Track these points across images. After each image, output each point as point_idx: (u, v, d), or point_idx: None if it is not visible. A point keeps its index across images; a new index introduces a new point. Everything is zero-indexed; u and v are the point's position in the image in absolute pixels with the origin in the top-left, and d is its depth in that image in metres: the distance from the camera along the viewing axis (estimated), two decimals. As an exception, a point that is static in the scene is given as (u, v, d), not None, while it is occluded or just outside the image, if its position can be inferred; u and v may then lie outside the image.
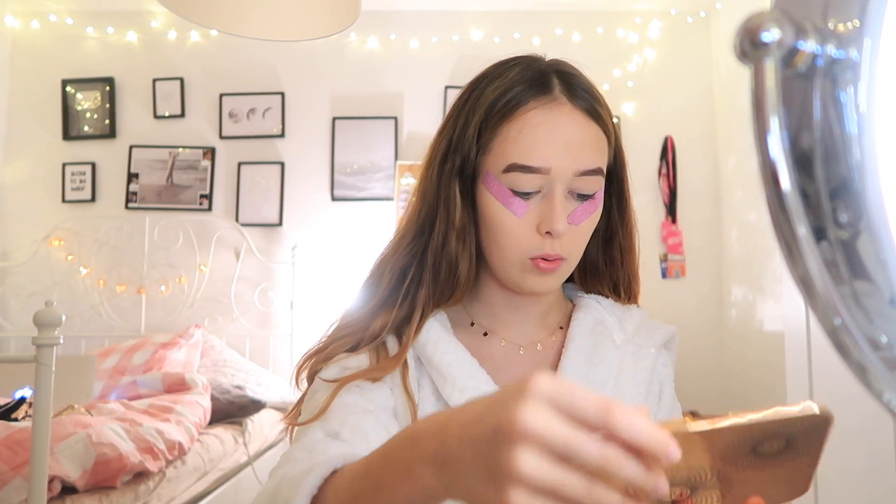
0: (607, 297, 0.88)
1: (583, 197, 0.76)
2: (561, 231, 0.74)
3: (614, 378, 0.80)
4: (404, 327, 0.80)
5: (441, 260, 0.79)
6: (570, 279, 0.91)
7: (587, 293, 0.89)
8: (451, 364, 0.77)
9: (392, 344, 0.80)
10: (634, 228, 0.88)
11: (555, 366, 0.82)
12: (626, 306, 0.88)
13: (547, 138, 0.74)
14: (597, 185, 0.77)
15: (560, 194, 0.74)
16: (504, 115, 0.76)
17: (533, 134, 0.75)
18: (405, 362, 0.78)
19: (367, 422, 0.72)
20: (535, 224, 0.75)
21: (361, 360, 0.79)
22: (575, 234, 0.77)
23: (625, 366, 0.82)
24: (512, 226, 0.76)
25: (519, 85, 0.77)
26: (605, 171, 0.78)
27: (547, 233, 0.74)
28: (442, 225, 0.79)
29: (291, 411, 0.83)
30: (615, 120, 0.82)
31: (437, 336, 0.79)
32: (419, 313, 0.79)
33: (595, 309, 0.86)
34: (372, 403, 0.74)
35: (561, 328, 0.86)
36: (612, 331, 0.84)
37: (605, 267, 0.88)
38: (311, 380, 0.81)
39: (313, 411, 0.74)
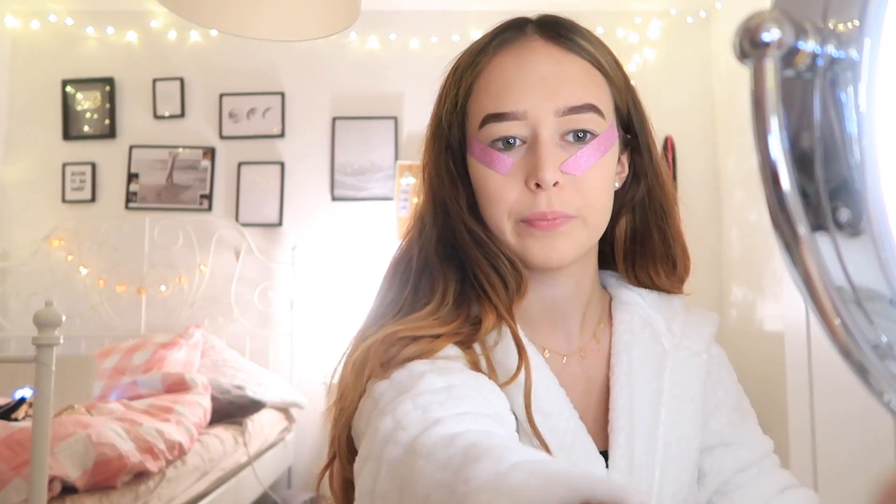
0: (660, 277, 0.76)
1: (581, 141, 0.65)
2: (549, 180, 0.63)
3: (668, 393, 0.70)
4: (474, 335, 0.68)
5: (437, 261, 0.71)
6: (606, 265, 0.79)
7: (636, 278, 0.77)
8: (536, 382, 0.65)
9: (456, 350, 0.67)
10: (672, 186, 0.76)
11: (605, 380, 0.71)
12: (667, 297, 0.77)
13: (517, 79, 0.66)
14: (593, 124, 0.66)
15: (547, 140, 0.64)
16: (474, 72, 0.69)
17: (502, 79, 0.66)
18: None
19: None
20: (524, 179, 0.65)
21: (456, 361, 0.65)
22: (579, 185, 0.65)
23: (678, 378, 0.71)
24: (497, 185, 0.66)
25: (489, 38, 0.70)
26: (602, 111, 0.67)
27: (537, 185, 0.64)
28: (438, 210, 0.71)
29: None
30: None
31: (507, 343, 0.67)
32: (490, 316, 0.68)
33: (638, 306, 0.75)
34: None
35: (601, 325, 0.75)
36: (661, 334, 0.73)
37: (661, 242, 0.76)
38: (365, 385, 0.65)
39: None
